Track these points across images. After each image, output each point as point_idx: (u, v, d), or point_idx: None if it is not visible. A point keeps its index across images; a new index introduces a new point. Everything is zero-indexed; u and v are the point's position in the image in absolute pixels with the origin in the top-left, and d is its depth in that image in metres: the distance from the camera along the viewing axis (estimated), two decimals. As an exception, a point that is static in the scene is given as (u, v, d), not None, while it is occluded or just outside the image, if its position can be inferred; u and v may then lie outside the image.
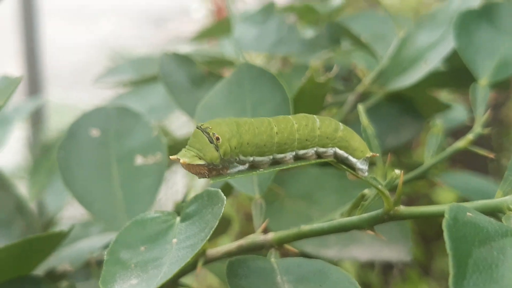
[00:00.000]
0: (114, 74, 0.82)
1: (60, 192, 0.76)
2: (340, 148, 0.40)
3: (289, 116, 0.40)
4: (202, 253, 0.45)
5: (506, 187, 0.39)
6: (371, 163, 0.44)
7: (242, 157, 0.38)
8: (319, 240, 0.57)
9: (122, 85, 0.84)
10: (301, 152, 0.39)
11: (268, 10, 0.76)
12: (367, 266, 1.12)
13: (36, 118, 1.65)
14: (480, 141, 0.54)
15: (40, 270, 0.52)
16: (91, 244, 0.58)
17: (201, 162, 0.36)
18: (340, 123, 0.41)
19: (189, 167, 0.37)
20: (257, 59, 0.93)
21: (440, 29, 0.64)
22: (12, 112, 0.81)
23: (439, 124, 0.51)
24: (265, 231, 0.46)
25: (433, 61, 0.61)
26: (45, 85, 1.80)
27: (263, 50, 0.74)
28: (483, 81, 0.56)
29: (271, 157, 0.39)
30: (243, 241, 0.45)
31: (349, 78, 0.83)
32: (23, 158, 1.28)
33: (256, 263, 0.43)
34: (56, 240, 0.49)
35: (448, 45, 0.61)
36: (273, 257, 0.44)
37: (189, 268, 0.46)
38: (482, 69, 0.56)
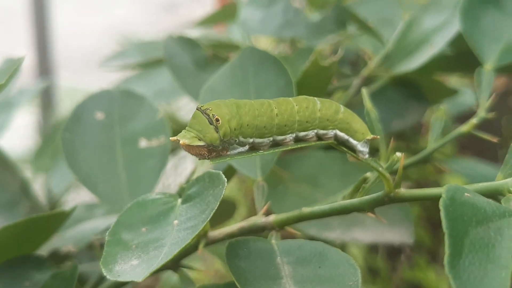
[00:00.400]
0: (120, 57, 0.83)
1: (65, 175, 0.76)
2: (341, 130, 0.40)
3: (290, 98, 0.40)
4: (203, 234, 0.45)
5: (506, 170, 0.39)
6: (375, 148, 0.44)
7: (242, 139, 0.38)
8: (322, 223, 0.57)
9: (129, 69, 0.84)
10: (302, 134, 0.39)
11: (274, -6, 0.75)
12: (374, 252, 1.12)
13: (47, 102, 1.66)
14: (489, 127, 0.54)
15: (44, 250, 0.53)
16: (95, 226, 0.58)
17: (201, 143, 0.37)
18: (341, 105, 0.41)
19: (189, 148, 0.37)
20: (266, 44, 0.93)
21: (446, 12, 0.64)
22: (17, 95, 0.81)
23: (442, 108, 0.51)
24: (268, 213, 0.47)
25: (438, 44, 0.61)
26: (56, 70, 1.81)
27: (268, 32, 0.74)
28: (488, 65, 0.55)
29: (271, 138, 0.39)
30: (244, 223, 0.46)
31: (356, 62, 0.83)
32: (33, 142, 1.29)
33: (256, 244, 0.43)
34: (58, 220, 0.49)
35: (453, 28, 0.61)
36: (274, 239, 0.44)
37: (191, 249, 0.46)
38: (487, 54, 0.56)
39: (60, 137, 0.54)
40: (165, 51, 0.64)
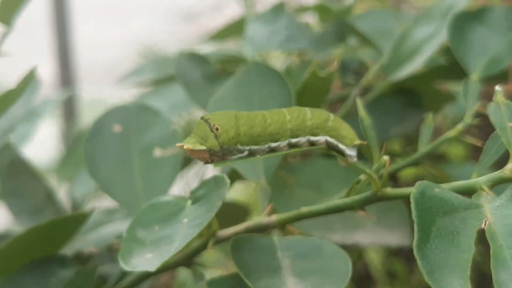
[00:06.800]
0: (136, 74, 0.88)
1: (87, 183, 0.81)
2: (331, 137, 0.45)
3: (283, 109, 0.45)
4: (212, 234, 0.50)
5: (480, 169, 0.43)
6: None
7: (239, 147, 0.43)
8: (326, 226, 0.61)
9: (144, 85, 0.89)
10: (294, 140, 0.44)
11: (278, 9, 0.80)
12: (393, 255, 1.15)
13: (69, 114, 1.71)
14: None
15: (68, 252, 0.58)
16: (114, 229, 0.63)
17: (203, 147, 0.42)
18: (331, 114, 0.45)
19: (192, 152, 0.42)
20: (275, 56, 0.97)
21: (434, 23, 0.68)
22: (40, 105, 0.85)
23: (430, 116, 0.56)
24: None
25: (426, 53, 0.66)
26: (77, 81, 1.85)
27: (273, 46, 0.78)
28: (474, 76, 0.60)
29: (266, 145, 0.44)
30: (250, 223, 0.50)
31: (360, 71, 0.86)
32: (57, 153, 1.34)
33: (259, 240, 0.48)
34: (78, 221, 0.54)
35: (440, 38, 0.65)
36: (276, 236, 0.49)
37: (201, 247, 0.50)
38: (473, 65, 0.61)
39: (83, 148, 0.59)
40: (177, 67, 0.69)
